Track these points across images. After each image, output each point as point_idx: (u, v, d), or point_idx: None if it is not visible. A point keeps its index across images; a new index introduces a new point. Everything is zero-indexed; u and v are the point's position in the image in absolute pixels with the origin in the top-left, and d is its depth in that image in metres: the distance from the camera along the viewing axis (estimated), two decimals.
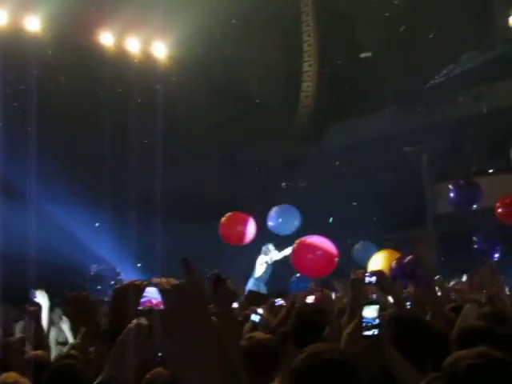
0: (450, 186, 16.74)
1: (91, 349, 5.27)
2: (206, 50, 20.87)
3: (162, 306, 2.04)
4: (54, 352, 7.70)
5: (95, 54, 18.68)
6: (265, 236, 17.36)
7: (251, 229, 15.59)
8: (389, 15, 21.20)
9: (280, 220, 16.85)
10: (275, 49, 21.92)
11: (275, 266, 17.43)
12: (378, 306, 4.26)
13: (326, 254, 13.27)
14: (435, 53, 20.42)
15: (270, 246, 17.39)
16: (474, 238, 16.36)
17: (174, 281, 2.18)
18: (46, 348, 6.44)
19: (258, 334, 5.25)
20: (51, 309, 8.44)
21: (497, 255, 15.70)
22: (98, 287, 16.76)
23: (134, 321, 3.33)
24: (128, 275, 17.11)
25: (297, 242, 13.96)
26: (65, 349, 7.77)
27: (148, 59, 20.03)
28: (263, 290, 16.25)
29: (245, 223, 15.54)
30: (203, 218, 17.07)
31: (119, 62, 18.91)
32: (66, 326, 8.87)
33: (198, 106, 20.37)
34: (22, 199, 16.08)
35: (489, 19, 21.41)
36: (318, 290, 7.59)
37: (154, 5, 18.04)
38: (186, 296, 2.03)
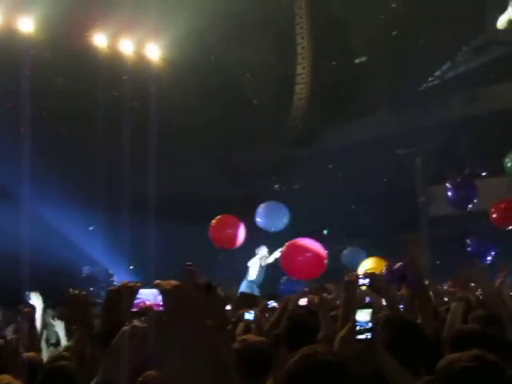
0: (448, 185, 16.71)
1: (86, 351, 5.25)
2: (199, 51, 20.89)
3: (157, 308, 2.05)
4: (46, 354, 7.67)
5: (89, 56, 18.66)
6: (259, 238, 17.35)
7: (242, 232, 15.44)
8: (382, 18, 21.23)
9: (268, 215, 16.71)
10: (269, 51, 21.93)
11: (268, 269, 17.41)
12: (371, 310, 4.27)
13: (316, 256, 13.25)
14: (429, 55, 20.47)
15: (263, 248, 17.38)
16: (468, 241, 16.39)
17: (173, 282, 2.19)
18: (39, 350, 6.42)
19: (251, 337, 5.24)
20: (43, 310, 8.42)
21: (489, 258, 15.72)
22: (91, 289, 16.73)
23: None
24: (121, 277, 17.11)
25: (286, 244, 13.94)
26: (57, 350, 7.74)
27: (141, 61, 20.01)
28: (256, 292, 16.23)
29: (235, 226, 15.40)
30: (196, 220, 17.05)
31: (113, 63, 18.88)
32: (60, 327, 8.83)
33: (191, 107, 20.35)
34: (14, 201, 16.05)
35: (481, 22, 21.44)
36: (315, 294, 7.58)
37: (148, 6, 18.03)
38: (186, 297, 2.04)
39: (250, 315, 7.17)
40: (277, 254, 16.08)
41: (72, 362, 5.03)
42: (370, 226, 20.77)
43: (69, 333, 7.65)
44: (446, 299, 8.36)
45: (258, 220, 16.74)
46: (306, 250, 13.21)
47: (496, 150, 19.81)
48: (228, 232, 15.29)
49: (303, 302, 7.70)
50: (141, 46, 20.10)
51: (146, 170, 16.85)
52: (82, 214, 18.04)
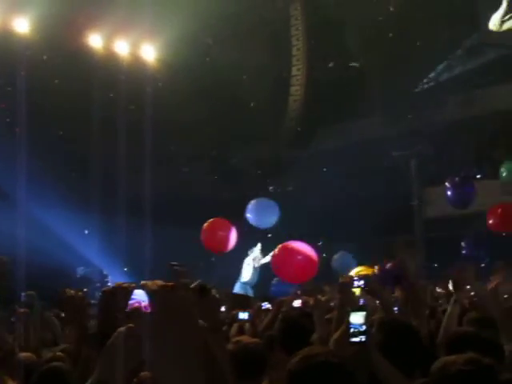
0: (447, 184, 16.64)
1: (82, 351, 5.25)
2: (194, 52, 20.88)
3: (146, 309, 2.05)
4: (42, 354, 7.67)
5: (84, 56, 18.65)
6: (253, 240, 17.35)
7: (233, 235, 15.26)
8: (378, 20, 21.22)
9: (258, 212, 16.62)
10: (264, 52, 21.93)
11: (261, 271, 17.40)
12: (365, 313, 4.26)
13: (307, 259, 13.16)
14: (424, 57, 20.48)
15: (257, 248, 17.37)
16: (463, 244, 16.39)
17: (160, 282, 2.18)
18: (35, 350, 6.41)
19: (245, 338, 5.24)
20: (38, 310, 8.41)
21: (483, 260, 15.71)
22: (85, 290, 16.70)
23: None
24: (115, 278, 17.08)
25: (278, 247, 13.85)
26: (51, 351, 7.74)
27: (137, 62, 20.01)
28: (250, 293, 16.22)
29: (227, 229, 15.23)
30: (190, 222, 17.03)
31: (108, 64, 18.88)
32: (56, 327, 8.82)
33: (186, 108, 20.34)
34: (10, 202, 16.02)
35: (476, 22, 21.44)
36: (309, 295, 7.58)
37: (143, 8, 18.04)
38: (174, 298, 2.04)
39: (243, 315, 7.17)
40: (270, 256, 16.03)
41: (66, 362, 5.04)
42: (365, 227, 20.74)
43: (64, 333, 7.65)
44: (440, 301, 8.37)
45: (248, 216, 16.62)
46: (297, 253, 13.12)
47: (491, 151, 19.84)
48: (220, 234, 15.12)
49: (297, 303, 7.70)
50: (136, 46, 20.11)
51: (141, 171, 16.83)
52: (77, 216, 18.00)
